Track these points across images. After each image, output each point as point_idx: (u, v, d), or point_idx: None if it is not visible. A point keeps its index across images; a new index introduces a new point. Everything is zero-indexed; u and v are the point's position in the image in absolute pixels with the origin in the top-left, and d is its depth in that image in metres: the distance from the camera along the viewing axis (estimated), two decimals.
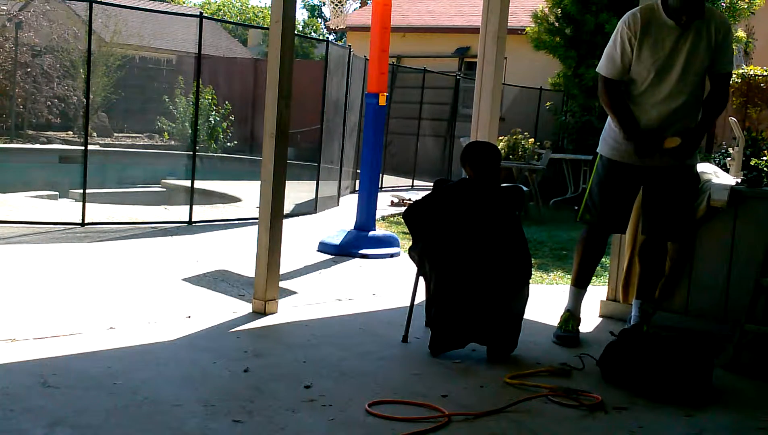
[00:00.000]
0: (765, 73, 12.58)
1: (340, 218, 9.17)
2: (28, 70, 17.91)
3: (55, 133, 18.57)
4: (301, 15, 46.69)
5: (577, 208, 4.43)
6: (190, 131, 14.42)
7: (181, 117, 16.93)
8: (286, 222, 4.96)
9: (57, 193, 10.63)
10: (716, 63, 4.05)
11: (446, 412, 3.12)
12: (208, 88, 16.16)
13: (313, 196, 9.81)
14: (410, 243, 4.35)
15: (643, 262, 4.48)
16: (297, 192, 9.66)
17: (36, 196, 10.07)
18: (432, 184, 4.23)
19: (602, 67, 4.20)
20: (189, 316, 4.45)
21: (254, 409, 3.07)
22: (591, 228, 4.39)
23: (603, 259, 6.95)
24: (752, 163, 5.04)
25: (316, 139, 10.71)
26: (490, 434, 3.00)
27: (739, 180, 4.66)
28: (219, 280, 5.58)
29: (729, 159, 5.17)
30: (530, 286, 4.03)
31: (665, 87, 4.05)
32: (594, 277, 6.85)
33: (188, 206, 8.44)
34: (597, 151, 4.37)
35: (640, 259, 4.51)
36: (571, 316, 4.40)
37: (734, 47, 13.75)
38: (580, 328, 4.41)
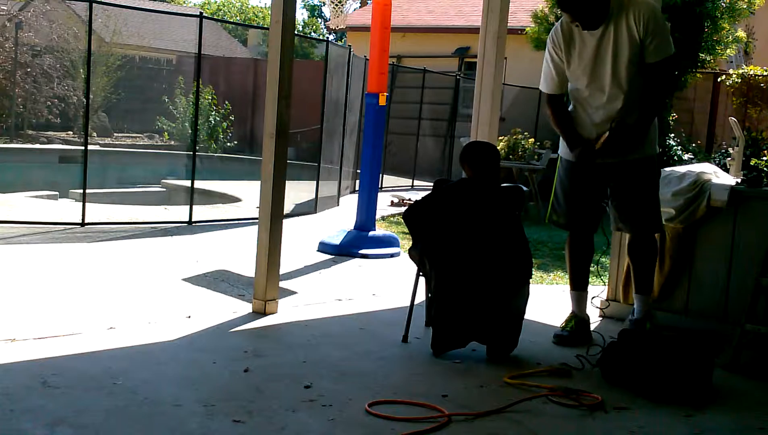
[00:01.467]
0: (765, 73, 12.59)
1: (340, 218, 9.16)
2: (28, 70, 17.91)
3: (55, 133, 18.56)
4: (301, 15, 46.71)
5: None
6: (190, 131, 14.42)
7: (181, 117, 16.94)
8: (286, 222, 4.96)
9: (57, 193, 10.63)
10: (644, 55, 3.99)
11: (446, 412, 3.12)
12: (208, 88, 16.16)
13: (313, 196, 9.81)
14: (410, 243, 4.35)
15: (630, 258, 4.49)
16: (297, 192, 9.66)
17: (36, 196, 10.07)
18: (432, 184, 4.24)
19: (541, 84, 4.32)
20: (189, 316, 4.45)
21: (254, 409, 3.07)
22: (569, 232, 4.44)
23: (603, 259, 6.97)
24: (752, 163, 5.04)
25: (316, 139, 10.71)
26: (490, 434, 3.00)
27: (739, 180, 4.66)
28: (219, 280, 5.58)
29: (729, 159, 5.17)
30: (530, 285, 4.03)
31: (603, 90, 4.08)
32: (594, 277, 6.87)
33: (188, 206, 8.43)
34: (557, 153, 4.43)
35: (629, 255, 4.52)
36: (574, 317, 4.41)
37: (734, 47, 13.76)
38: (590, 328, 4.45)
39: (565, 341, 4.27)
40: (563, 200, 4.37)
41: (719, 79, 13.37)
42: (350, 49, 11.18)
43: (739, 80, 12.67)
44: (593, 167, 4.15)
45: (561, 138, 4.36)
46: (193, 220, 8.27)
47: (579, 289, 4.46)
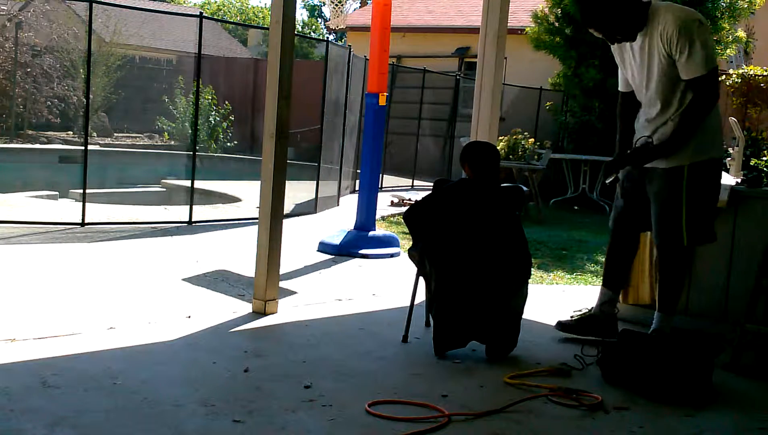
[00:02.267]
0: (765, 73, 12.58)
1: (340, 218, 9.16)
2: (28, 70, 17.92)
3: (55, 133, 18.57)
4: (301, 15, 46.74)
5: None
6: (190, 131, 14.42)
7: (181, 117, 16.93)
8: (286, 222, 4.96)
9: (57, 193, 10.63)
10: (679, 72, 3.86)
11: (446, 412, 3.12)
12: (208, 88, 16.16)
13: (313, 196, 9.81)
14: (410, 243, 4.36)
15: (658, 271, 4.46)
16: (297, 192, 9.66)
17: (36, 196, 10.06)
18: (432, 184, 4.24)
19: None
20: (189, 316, 4.45)
21: (254, 409, 3.07)
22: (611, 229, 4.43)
23: (602, 259, 6.93)
24: (752, 163, 5.03)
25: (316, 139, 10.71)
26: (490, 434, 3.00)
27: (739, 180, 4.66)
28: (219, 280, 5.58)
29: (729, 159, 5.16)
30: (529, 285, 4.04)
31: (643, 96, 4.08)
32: (594, 277, 6.87)
33: (188, 206, 8.43)
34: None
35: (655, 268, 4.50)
36: (587, 310, 4.43)
37: (734, 47, 13.75)
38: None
39: (565, 327, 4.30)
40: (615, 201, 4.40)
41: (719, 79, 13.37)
42: (350, 49, 11.18)
43: (739, 80, 12.67)
44: (635, 173, 4.14)
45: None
46: (193, 220, 8.27)
47: (605, 285, 4.41)
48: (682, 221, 3.99)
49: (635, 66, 4.04)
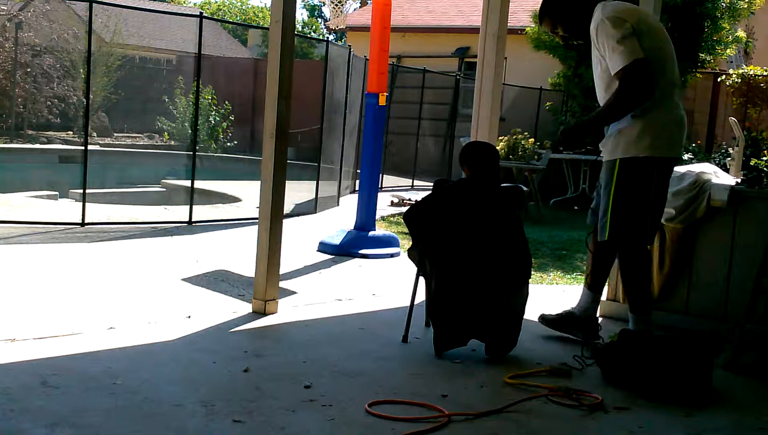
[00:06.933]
0: (765, 73, 12.59)
1: (340, 218, 9.17)
2: (28, 70, 17.92)
3: (55, 133, 18.56)
4: (301, 15, 46.69)
5: None
6: (190, 131, 14.41)
7: (181, 117, 16.93)
8: (286, 222, 4.96)
9: (57, 193, 10.63)
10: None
11: (446, 412, 3.12)
12: (208, 88, 16.15)
13: (313, 196, 9.81)
14: (410, 243, 4.36)
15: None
16: (297, 192, 9.66)
17: (36, 196, 10.06)
18: (432, 184, 4.24)
19: None
20: (189, 316, 4.45)
21: (254, 409, 3.07)
22: None
23: None
24: (752, 163, 5.04)
25: (316, 139, 10.72)
26: (490, 434, 3.00)
27: (739, 180, 4.66)
28: (219, 280, 5.58)
29: (729, 159, 5.17)
30: (530, 285, 4.04)
31: (598, 93, 4.21)
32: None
33: (188, 206, 8.44)
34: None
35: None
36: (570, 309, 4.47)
37: (734, 47, 13.75)
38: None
39: (546, 321, 4.39)
40: None
41: (719, 79, 13.38)
42: (350, 49, 11.19)
43: (739, 80, 12.67)
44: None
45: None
46: (193, 220, 8.27)
47: (589, 288, 4.39)
48: (607, 215, 3.95)
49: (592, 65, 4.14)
